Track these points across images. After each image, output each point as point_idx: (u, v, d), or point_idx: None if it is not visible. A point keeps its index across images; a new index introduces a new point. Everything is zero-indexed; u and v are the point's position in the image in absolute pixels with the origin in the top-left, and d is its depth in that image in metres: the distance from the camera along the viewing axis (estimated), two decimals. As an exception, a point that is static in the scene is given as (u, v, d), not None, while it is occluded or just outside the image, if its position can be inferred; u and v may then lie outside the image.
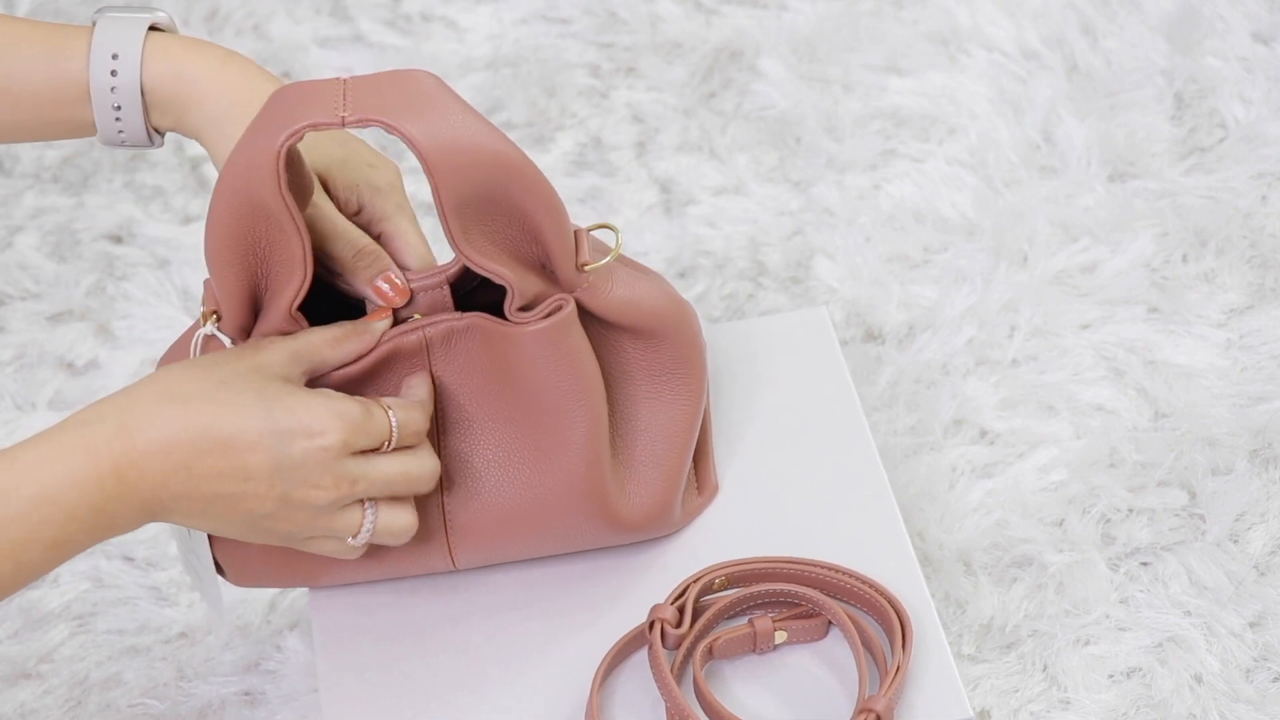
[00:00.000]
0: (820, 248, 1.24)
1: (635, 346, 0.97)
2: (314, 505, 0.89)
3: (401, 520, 0.92)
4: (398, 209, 0.95)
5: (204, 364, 0.88)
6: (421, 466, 0.92)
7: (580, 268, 0.92)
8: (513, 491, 0.95)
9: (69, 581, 1.08)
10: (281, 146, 0.83)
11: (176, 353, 0.94)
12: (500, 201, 0.88)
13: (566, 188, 1.29)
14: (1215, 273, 1.21)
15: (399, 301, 0.92)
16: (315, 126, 0.83)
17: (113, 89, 0.91)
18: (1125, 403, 1.15)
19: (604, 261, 0.93)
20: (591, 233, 0.95)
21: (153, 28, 0.92)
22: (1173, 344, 1.17)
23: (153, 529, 1.11)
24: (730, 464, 1.05)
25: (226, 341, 0.90)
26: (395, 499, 0.92)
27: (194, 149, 1.30)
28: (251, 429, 0.86)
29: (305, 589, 1.04)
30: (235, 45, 1.36)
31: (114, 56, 0.91)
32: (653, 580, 1.00)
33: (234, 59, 0.93)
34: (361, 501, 0.91)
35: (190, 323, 1.20)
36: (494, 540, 0.97)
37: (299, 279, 0.88)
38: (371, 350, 0.93)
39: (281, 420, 0.87)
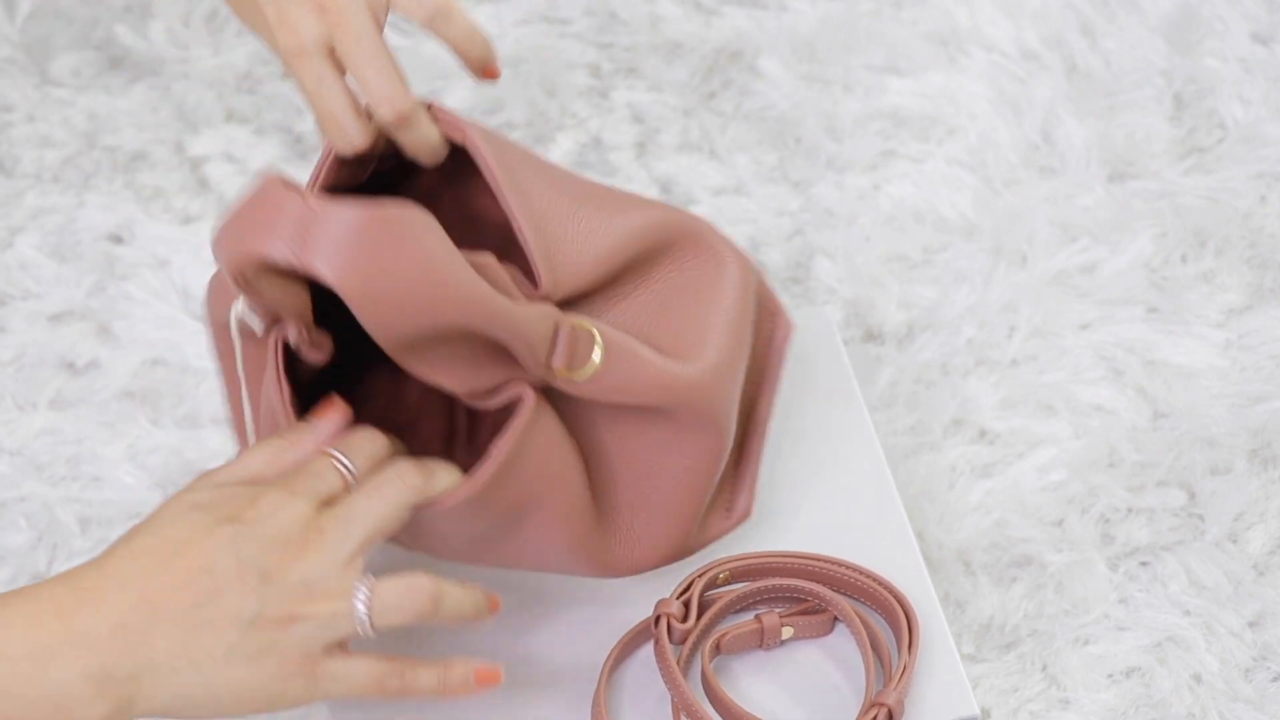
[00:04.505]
0: (820, 248, 1.24)
1: (625, 414, 0.93)
2: (295, 577, 0.81)
3: (408, 590, 0.84)
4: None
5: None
6: (392, 493, 0.85)
7: (549, 368, 0.88)
8: (488, 546, 0.93)
9: (70, 581, 1.08)
10: (238, 268, 0.81)
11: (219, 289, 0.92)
12: (457, 329, 0.84)
13: (567, 188, 1.29)
14: (1214, 273, 1.22)
15: None
16: (266, 260, 0.80)
17: None
18: (1124, 403, 1.15)
19: (580, 376, 0.88)
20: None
21: None
22: (1172, 344, 1.18)
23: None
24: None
25: (257, 326, 0.87)
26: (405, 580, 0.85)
27: (194, 149, 1.30)
28: (192, 522, 0.82)
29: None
30: (235, 46, 1.36)
31: None
32: (658, 574, 1.00)
33: None
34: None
35: (192, 324, 1.20)
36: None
37: (295, 330, 0.87)
38: None
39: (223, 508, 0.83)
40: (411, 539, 0.91)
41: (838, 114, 1.32)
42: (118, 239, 1.26)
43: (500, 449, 0.87)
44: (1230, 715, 1.02)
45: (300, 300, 0.86)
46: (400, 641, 0.99)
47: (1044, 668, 1.04)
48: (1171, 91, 1.32)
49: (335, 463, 0.86)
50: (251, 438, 0.94)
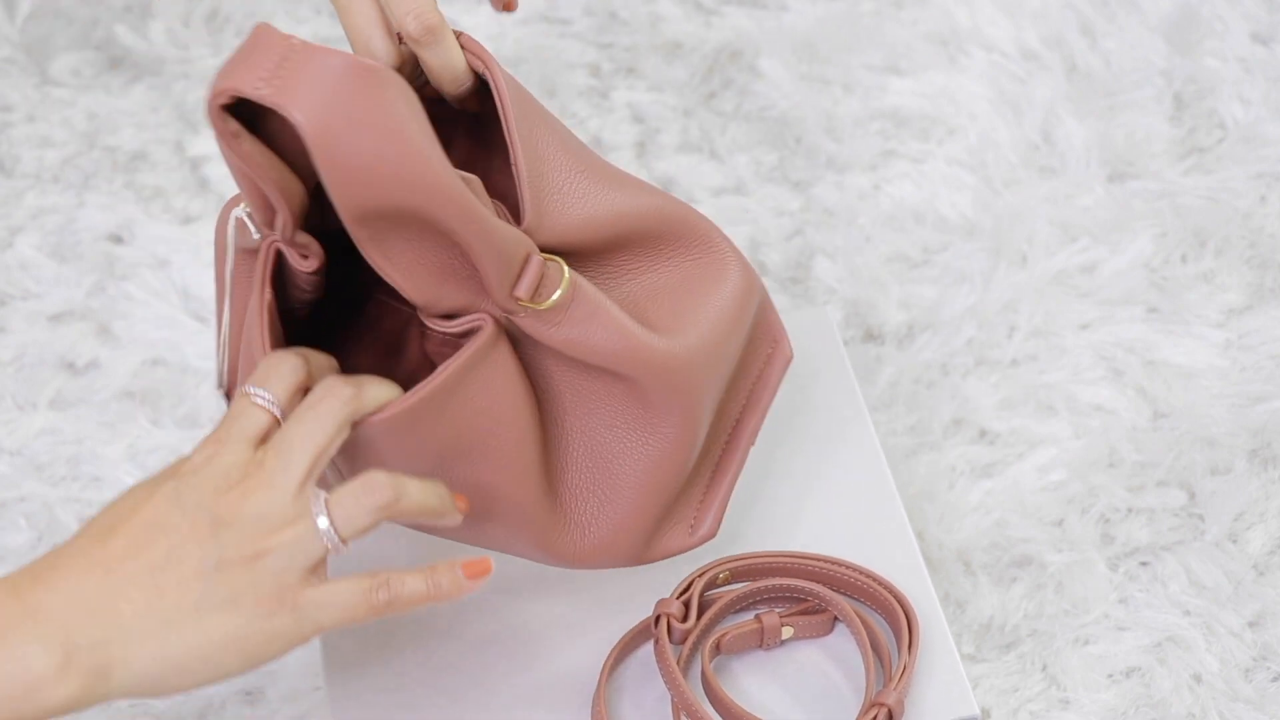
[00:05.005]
0: (820, 248, 1.24)
1: (590, 377, 0.91)
2: (248, 512, 0.80)
3: (363, 489, 0.82)
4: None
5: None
6: (328, 410, 0.82)
7: (514, 297, 0.86)
8: None
9: (70, 581, 1.08)
10: (213, 103, 0.79)
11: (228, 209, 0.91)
12: (422, 218, 0.82)
13: (567, 188, 1.29)
14: (1214, 273, 1.22)
15: None
16: (238, 93, 0.78)
17: None
18: (1124, 403, 1.15)
19: (545, 305, 0.87)
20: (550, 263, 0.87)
21: None
22: (1172, 344, 1.18)
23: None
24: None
25: (253, 229, 0.87)
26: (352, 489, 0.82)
27: (194, 149, 1.30)
28: (137, 492, 0.81)
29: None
30: (235, 45, 1.35)
31: None
32: (658, 574, 1.00)
33: None
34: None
35: (192, 324, 1.20)
36: None
37: (282, 217, 0.84)
38: None
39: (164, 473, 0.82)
40: (351, 471, 0.89)
41: (838, 114, 1.32)
42: (118, 239, 1.26)
43: (448, 367, 0.85)
44: (1230, 715, 1.02)
45: (287, 180, 0.83)
46: (402, 639, 0.99)
47: (1044, 668, 1.04)
48: (1171, 91, 1.32)
49: (251, 398, 0.84)
50: (225, 352, 0.93)
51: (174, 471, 0.82)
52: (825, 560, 1.00)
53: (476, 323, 0.86)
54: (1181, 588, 1.07)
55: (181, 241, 1.25)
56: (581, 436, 0.92)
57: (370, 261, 0.83)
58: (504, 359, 0.88)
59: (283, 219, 0.84)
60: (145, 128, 1.32)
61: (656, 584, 0.99)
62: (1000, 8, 1.36)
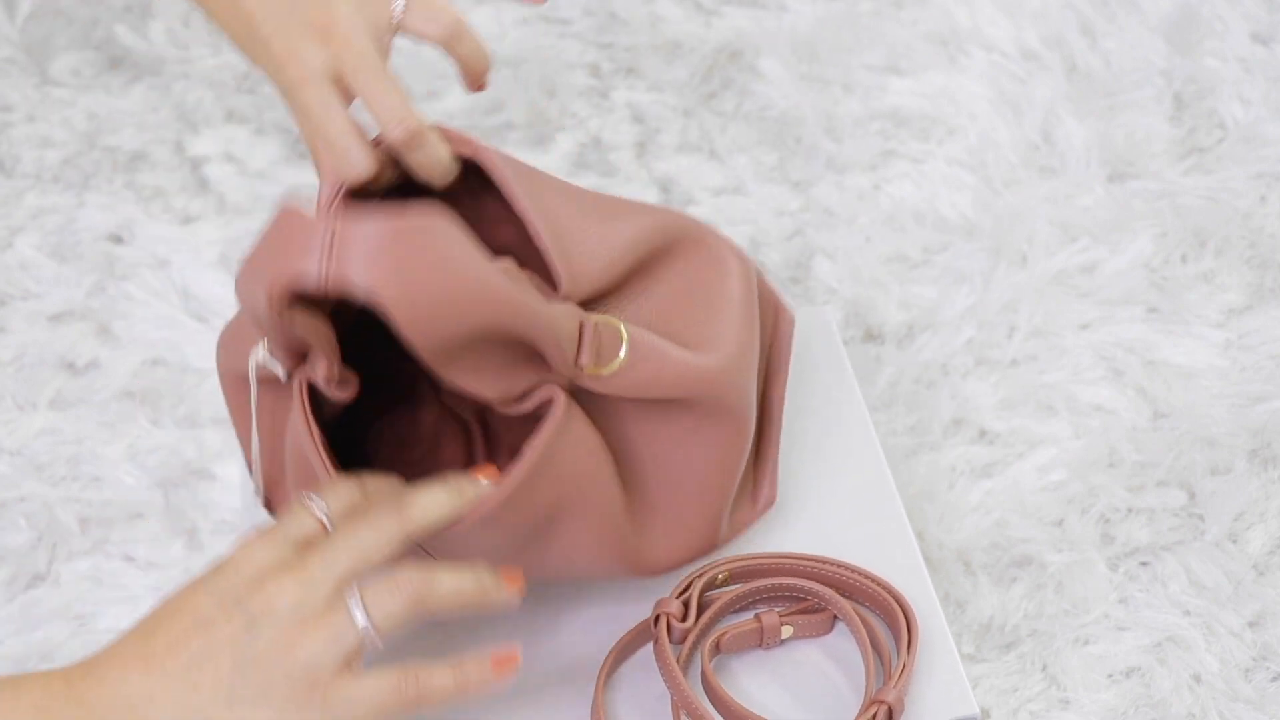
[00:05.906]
0: (820, 248, 1.24)
1: (651, 407, 0.93)
2: (283, 606, 0.81)
3: (393, 583, 0.82)
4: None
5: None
6: (370, 532, 0.84)
7: (578, 365, 0.88)
8: (516, 558, 0.91)
9: (69, 581, 1.08)
10: (273, 298, 0.80)
11: (236, 331, 0.92)
12: (488, 331, 0.84)
13: (566, 188, 1.29)
14: (1214, 273, 1.22)
15: None
16: (300, 288, 0.80)
17: None
18: (1124, 403, 1.15)
19: (607, 371, 0.88)
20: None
21: None
22: (1172, 344, 1.18)
23: (154, 527, 1.11)
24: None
25: (280, 372, 0.88)
26: (386, 585, 0.83)
27: (194, 149, 1.30)
28: (184, 589, 0.82)
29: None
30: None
31: None
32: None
33: None
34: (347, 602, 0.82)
35: (192, 324, 1.20)
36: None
37: (327, 366, 0.86)
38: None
39: (211, 574, 0.83)
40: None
41: (838, 114, 1.32)
42: (118, 239, 1.26)
43: (534, 449, 0.86)
44: (1230, 715, 1.02)
45: (328, 335, 0.86)
46: (401, 639, 0.99)
47: (1044, 668, 1.04)
48: (1171, 91, 1.32)
49: (307, 505, 0.85)
50: (259, 481, 0.95)
51: (219, 568, 0.83)
52: (824, 561, 1.00)
53: (547, 395, 0.88)
54: (1181, 588, 1.07)
55: (181, 241, 1.25)
56: (652, 463, 0.94)
57: (450, 384, 0.84)
58: (579, 422, 0.90)
59: (325, 368, 0.86)
60: (145, 128, 1.32)
61: (656, 584, 0.99)
62: (1000, 8, 1.36)
